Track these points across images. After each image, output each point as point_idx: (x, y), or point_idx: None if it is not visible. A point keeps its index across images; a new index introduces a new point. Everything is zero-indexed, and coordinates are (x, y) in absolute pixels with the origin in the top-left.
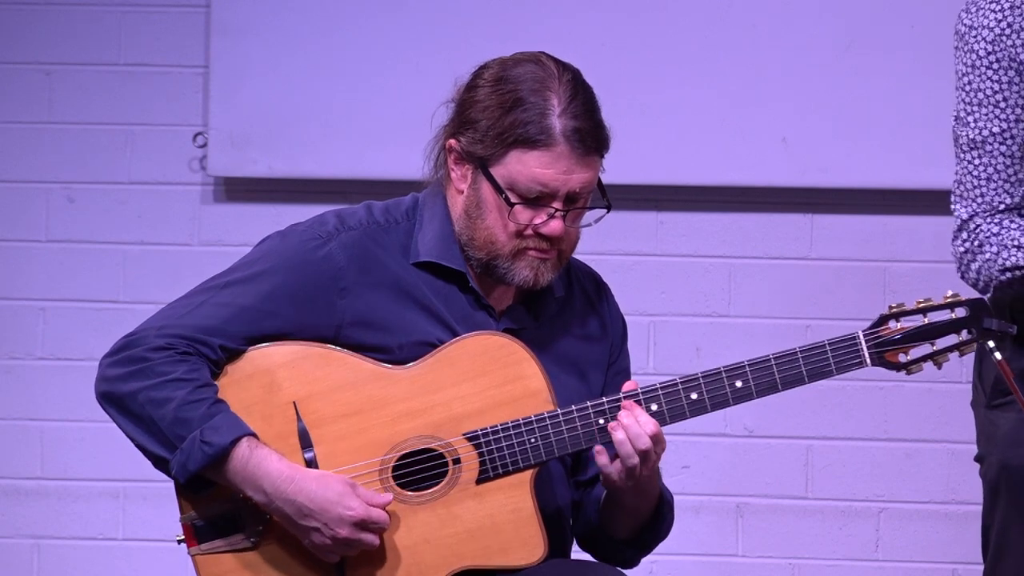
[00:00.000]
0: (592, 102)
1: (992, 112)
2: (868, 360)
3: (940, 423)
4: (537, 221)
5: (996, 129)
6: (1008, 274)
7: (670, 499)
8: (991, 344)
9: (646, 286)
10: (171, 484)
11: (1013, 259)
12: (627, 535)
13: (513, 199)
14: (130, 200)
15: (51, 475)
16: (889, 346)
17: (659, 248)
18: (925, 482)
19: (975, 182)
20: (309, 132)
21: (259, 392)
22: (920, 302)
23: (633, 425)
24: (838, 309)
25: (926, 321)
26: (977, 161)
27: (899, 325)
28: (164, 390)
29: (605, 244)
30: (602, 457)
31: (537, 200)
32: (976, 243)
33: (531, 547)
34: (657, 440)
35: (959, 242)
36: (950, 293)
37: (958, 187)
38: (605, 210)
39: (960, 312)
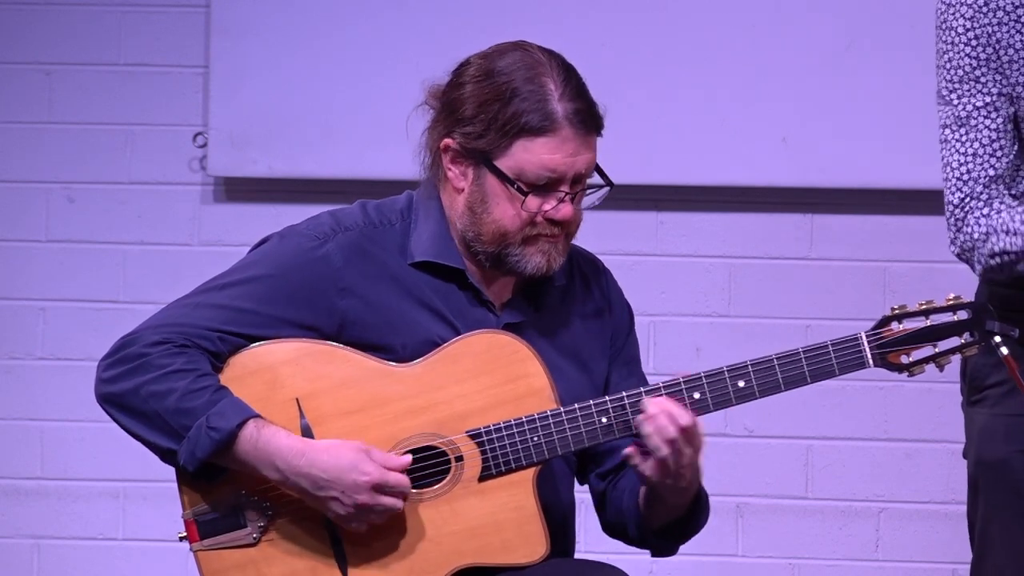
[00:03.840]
0: (583, 83)
1: (973, 87)
2: (871, 361)
3: (940, 423)
4: (547, 207)
5: (980, 103)
6: (997, 259)
7: (706, 495)
8: (997, 339)
9: (646, 286)
10: (172, 484)
11: (1002, 244)
12: (660, 527)
13: (524, 188)
14: (130, 200)
15: (51, 475)
16: (891, 347)
17: (659, 248)
18: (925, 482)
19: (961, 159)
20: (309, 132)
21: (262, 389)
22: (922, 304)
23: (660, 416)
24: (838, 309)
25: (928, 323)
26: (964, 138)
27: (901, 327)
28: (165, 382)
29: (605, 244)
30: (636, 457)
31: (546, 186)
32: (967, 225)
33: (533, 545)
34: (690, 434)
35: (950, 223)
36: (952, 296)
37: (946, 170)
38: (607, 188)
39: (962, 314)
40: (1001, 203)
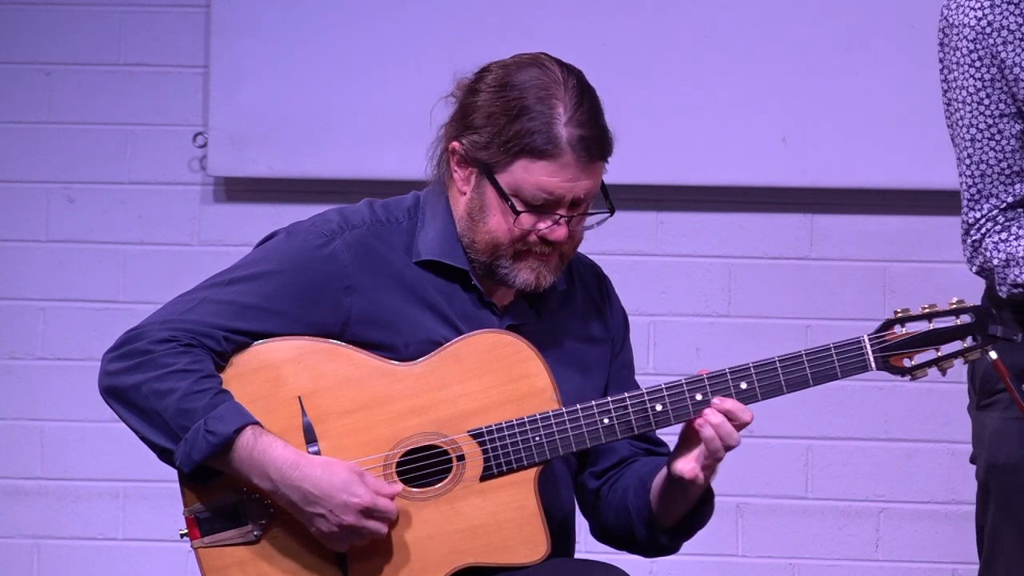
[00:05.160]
0: (597, 107)
1: (977, 109)
2: (873, 364)
3: (940, 423)
4: (541, 226)
5: (983, 125)
6: (1018, 290)
7: (711, 488)
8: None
9: (646, 286)
10: (172, 484)
11: (1021, 277)
12: (674, 523)
13: (519, 207)
14: (130, 200)
15: (51, 475)
16: (894, 351)
17: (659, 248)
18: (925, 482)
19: (971, 180)
20: (309, 132)
21: (264, 386)
22: (925, 308)
23: (724, 424)
24: (838, 309)
25: (931, 327)
26: (968, 160)
27: (904, 330)
28: (167, 381)
29: (605, 244)
30: (686, 462)
31: (542, 207)
32: (984, 249)
33: (534, 545)
34: (738, 418)
35: (966, 243)
36: (955, 299)
37: (961, 189)
38: (608, 214)
39: (965, 318)
40: (1020, 228)
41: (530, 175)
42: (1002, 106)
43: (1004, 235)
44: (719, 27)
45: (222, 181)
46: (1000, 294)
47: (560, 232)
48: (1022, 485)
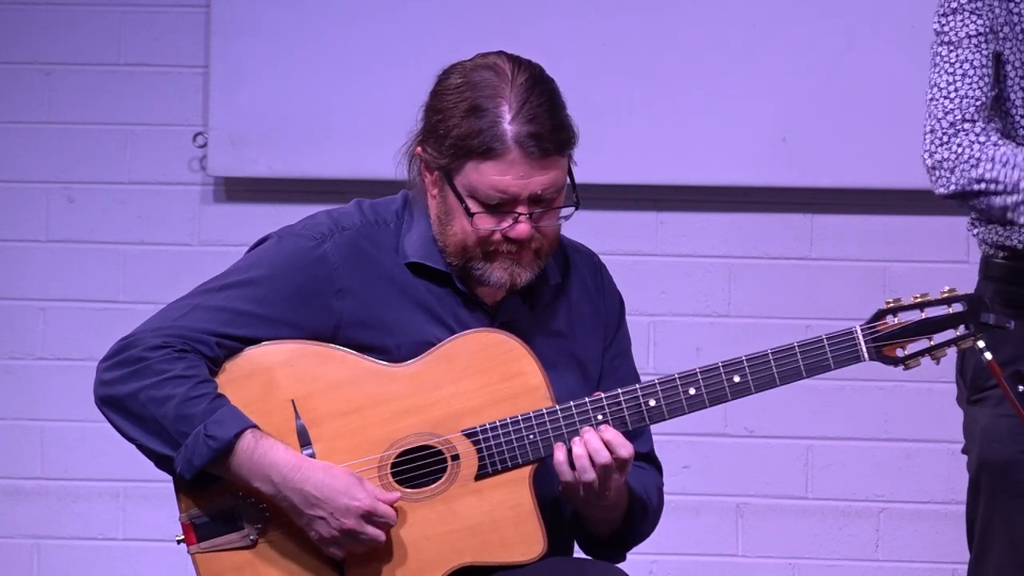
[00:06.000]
0: (550, 102)
1: (968, 18)
2: (866, 355)
3: (940, 423)
4: (503, 225)
5: (972, 31)
6: (981, 184)
7: (647, 502)
8: (981, 344)
9: (646, 286)
10: (171, 484)
11: (994, 173)
12: (602, 537)
13: (474, 208)
14: (130, 200)
15: (51, 475)
16: (887, 340)
17: (659, 248)
18: (925, 482)
19: (949, 78)
20: (309, 132)
21: (257, 391)
22: (917, 297)
23: (593, 440)
24: (838, 309)
25: (923, 316)
26: (954, 58)
27: (896, 320)
28: (164, 388)
29: (605, 244)
30: (560, 453)
31: (499, 207)
32: (955, 144)
33: (530, 543)
34: (615, 451)
35: (933, 137)
36: (947, 288)
37: (932, 90)
38: (573, 208)
39: (957, 307)
40: (999, 138)
41: (481, 176)
42: (988, 21)
43: (983, 137)
44: (719, 27)
45: (222, 181)
46: (943, 189)
47: (521, 229)
48: (1012, 482)
